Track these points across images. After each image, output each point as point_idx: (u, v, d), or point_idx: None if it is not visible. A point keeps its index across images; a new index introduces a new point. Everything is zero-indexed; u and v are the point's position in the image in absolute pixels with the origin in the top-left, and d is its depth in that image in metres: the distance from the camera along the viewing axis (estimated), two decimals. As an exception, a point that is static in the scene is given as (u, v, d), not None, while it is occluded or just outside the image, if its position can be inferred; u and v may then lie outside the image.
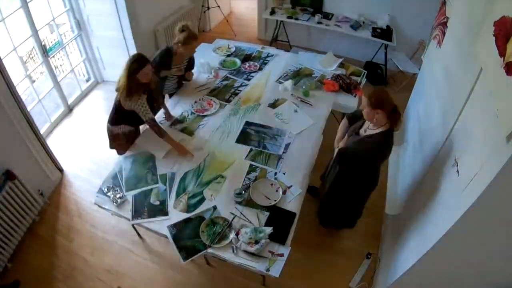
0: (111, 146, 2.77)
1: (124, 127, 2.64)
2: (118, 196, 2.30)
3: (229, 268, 2.51)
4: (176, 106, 3.02)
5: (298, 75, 3.42)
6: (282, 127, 2.80)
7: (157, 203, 2.29)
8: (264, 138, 2.70)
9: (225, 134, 2.76)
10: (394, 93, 4.40)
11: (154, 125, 2.50)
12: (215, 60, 3.58)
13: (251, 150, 2.62)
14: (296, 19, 4.70)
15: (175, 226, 2.17)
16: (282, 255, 2.03)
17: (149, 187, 2.39)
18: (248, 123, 2.83)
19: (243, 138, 2.71)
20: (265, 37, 5.53)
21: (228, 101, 3.08)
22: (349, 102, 3.11)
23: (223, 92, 3.17)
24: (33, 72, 3.78)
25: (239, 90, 3.20)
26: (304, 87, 3.16)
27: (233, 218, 2.18)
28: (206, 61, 3.43)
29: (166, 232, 2.14)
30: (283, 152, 2.60)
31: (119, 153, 2.75)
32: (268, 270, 1.96)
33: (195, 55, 3.15)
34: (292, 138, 2.72)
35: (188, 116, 2.91)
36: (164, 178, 2.43)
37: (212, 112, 2.96)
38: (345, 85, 3.20)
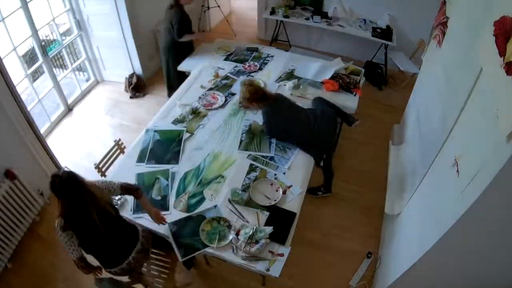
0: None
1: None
2: (117, 198, 2.29)
3: (229, 268, 2.51)
4: (176, 106, 3.02)
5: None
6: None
7: (159, 198, 2.31)
8: (275, 150, 2.64)
9: (225, 134, 2.76)
10: (394, 93, 4.41)
11: None
12: (216, 60, 3.59)
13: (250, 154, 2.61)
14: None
15: (175, 224, 2.17)
16: (282, 255, 2.02)
17: (165, 167, 2.48)
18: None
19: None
20: (265, 37, 5.53)
21: (224, 100, 3.09)
22: (349, 102, 3.11)
23: (220, 91, 3.17)
24: (33, 72, 3.77)
25: (236, 91, 3.19)
26: (302, 87, 3.17)
27: (232, 214, 2.18)
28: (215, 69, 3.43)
29: (166, 231, 2.14)
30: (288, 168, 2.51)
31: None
32: (268, 270, 1.96)
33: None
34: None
35: (188, 115, 2.91)
36: (166, 173, 2.45)
37: (219, 105, 3.01)
38: (344, 84, 3.20)
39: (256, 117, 2.89)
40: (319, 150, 2.65)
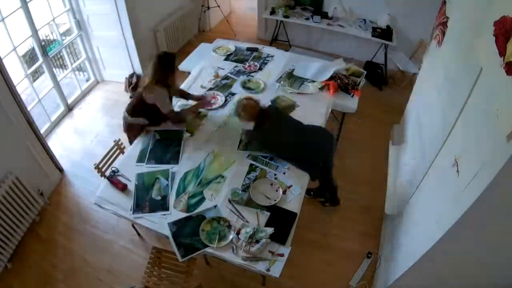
0: (127, 133, 2.85)
1: (142, 120, 2.70)
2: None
3: (229, 268, 2.51)
4: (175, 106, 3.01)
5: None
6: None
7: (159, 198, 2.31)
8: None
9: (225, 134, 2.76)
10: (394, 93, 4.41)
11: (174, 115, 2.69)
12: (216, 60, 3.59)
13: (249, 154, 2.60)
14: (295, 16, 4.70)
15: (175, 224, 2.17)
16: (282, 255, 2.02)
17: (165, 167, 2.48)
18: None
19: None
20: (265, 37, 5.53)
21: (224, 100, 3.09)
22: (349, 102, 3.10)
23: (220, 91, 3.17)
24: (33, 72, 3.77)
25: (235, 91, 3.19)
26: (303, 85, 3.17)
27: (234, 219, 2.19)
28: (215, 69, 3.40)
29: (166, 230, 2.14)
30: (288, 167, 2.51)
31: (131, 141, 2.81)
32: (268, 270, 1.96)
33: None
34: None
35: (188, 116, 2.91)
36: (166, 173, 2.45)
37: (219, 105, 3.01)
38: (343, 85, 3.17)
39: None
40: (316, 167, 2.53)
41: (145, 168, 2.50)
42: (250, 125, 2.52)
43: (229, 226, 2.14)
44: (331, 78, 3.25)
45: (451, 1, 2.57)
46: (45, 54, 3.68)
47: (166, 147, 2.64)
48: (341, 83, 3.19)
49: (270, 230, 2.08)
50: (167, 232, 2.13)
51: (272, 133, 2.48)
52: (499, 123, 1.34)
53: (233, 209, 2.24)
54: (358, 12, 4.67)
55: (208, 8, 5.45)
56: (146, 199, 2.30)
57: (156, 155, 2.58)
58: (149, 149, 2.62)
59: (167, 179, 2.41)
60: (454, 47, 2.30)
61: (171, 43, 4.89)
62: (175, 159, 2.55)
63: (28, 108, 3.06)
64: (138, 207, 2.26)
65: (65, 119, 4.12)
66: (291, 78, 3.32)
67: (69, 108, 4.23)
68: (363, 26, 4.54)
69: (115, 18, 3.95)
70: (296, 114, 2.92)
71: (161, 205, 2.27)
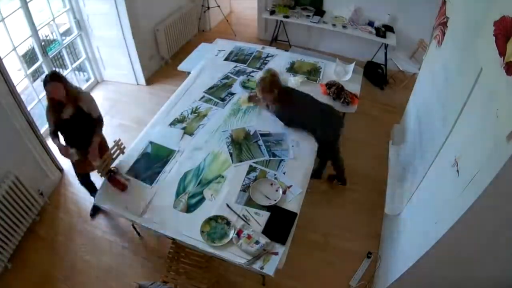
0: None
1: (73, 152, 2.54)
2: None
3: (229, 268, 2.51)
4: (175, 106, 3.02)
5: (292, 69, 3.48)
6: (280, 130, 2.78)
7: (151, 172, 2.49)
8: (270, 146, 2.65)
9: (225, 134, 2.76)
10: (394, 93, 4.41)
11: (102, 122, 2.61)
12: (216, 60, 3.58)
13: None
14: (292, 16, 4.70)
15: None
16: (276, 253, 2.02)
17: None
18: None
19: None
20: (265, 37, 5.53)
21: (223, 100, 3.08)
22: (341, 107, 3.10)
23: (220, 91, 3.17)
24: (33, 72, 3.77)
25: (235, 91, 3.19)
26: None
27: (245, 221, 2.19)
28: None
29: (166, 230, 2.13)
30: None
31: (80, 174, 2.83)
32: (262, 268, 1.96)
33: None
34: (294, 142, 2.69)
35: (188, 115, 2.91)
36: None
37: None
38: (334, 95, 3.11)
39: (257, 119, 2.90)
40: (332, 128, 2.81)
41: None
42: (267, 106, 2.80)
43: (228, 223, 2.14)
44: (328, 85, 3.20)
45: (451, 1, 2.57)
46: (45, 54, 3.68)
47: (149, 164, 2.55)
48: (335, 90, 3.12)
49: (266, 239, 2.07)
50: (167, 232, 2.14)
51: (297, 107, 2.73)
52: (499, 123, 1.33)
53: (234, 209, 2.24)
54: (358, 12, 4.66)
55: (208, 8, 5.45)
56: (143, 168, 2.51)
57: (139, 169, 2.52)
58: (135, 159, 2.59)
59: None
60: (454, 47, 2.30)
61: (171, 43, 4.89)
62: (151, 179, 2.44)
63: (28, 108, 3.06)
64: (131, 170, 2.49)
65: (65, 119, 4.12)
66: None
67: (69, 108, 4.22)
68: (367, 27, 4.52)
69: (115, 18, 3.95)
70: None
71: (149, 177, 2.44)
